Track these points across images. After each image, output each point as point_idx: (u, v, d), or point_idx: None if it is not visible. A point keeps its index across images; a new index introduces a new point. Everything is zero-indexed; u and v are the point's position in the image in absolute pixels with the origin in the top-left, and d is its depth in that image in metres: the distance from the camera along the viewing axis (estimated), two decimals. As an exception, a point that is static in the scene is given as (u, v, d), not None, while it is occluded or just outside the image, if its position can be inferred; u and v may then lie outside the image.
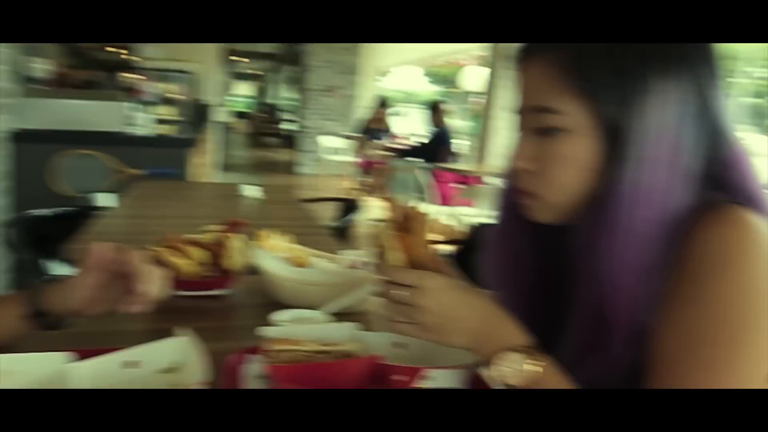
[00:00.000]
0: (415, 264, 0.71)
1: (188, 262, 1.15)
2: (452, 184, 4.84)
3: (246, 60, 19.48)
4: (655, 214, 0.62)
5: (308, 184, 8.71)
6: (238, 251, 1.18)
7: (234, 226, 1.21)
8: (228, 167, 9.97)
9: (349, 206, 2.70)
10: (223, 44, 8.60)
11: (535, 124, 0.67)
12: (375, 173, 6.19)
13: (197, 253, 1.18)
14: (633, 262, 0.62)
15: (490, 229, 0.82)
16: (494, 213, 0.81)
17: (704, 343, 0.58)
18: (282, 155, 13.32)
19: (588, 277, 0.65)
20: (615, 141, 0.63)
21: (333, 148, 8.25)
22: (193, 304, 1.15)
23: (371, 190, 6.22)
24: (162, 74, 6.18)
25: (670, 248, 0.62)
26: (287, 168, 10.87)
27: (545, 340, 0.67)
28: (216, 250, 1.19)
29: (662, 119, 0.62)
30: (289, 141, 14.72)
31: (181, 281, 1.12)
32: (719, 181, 0.64)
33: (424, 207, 4.58)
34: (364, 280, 1.07)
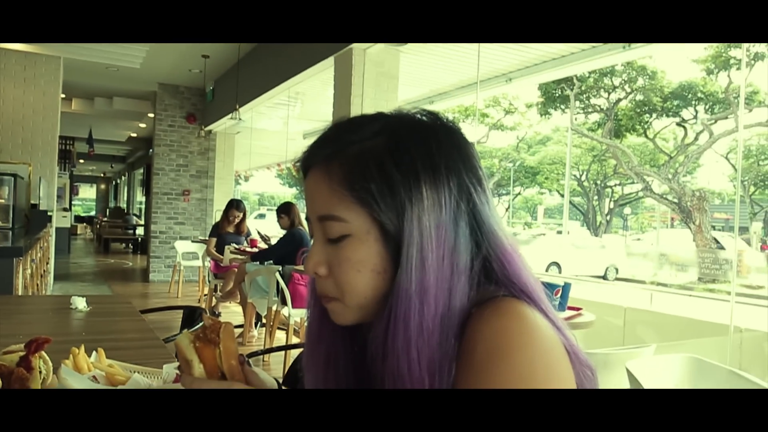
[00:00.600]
0: (220, 375, 0.69)
1: (-24, 390, 1.01)
2: (307, 285, 4.81)
3: (82, 162, 18.49)
4: (441, 310, 0.65)
5: (159, 290, 8.24)
6: (40, 372, 1.07)
7: (36, 345, 1.10)
8: (68, 276, 9.19)
9: (193, 314, 2.57)
10: (61, 145, 8.14)
11: (323, 231, 0.70)
12: (228, 277, 6.01)
13: (-10, 377, 1.04)
14: (425, 358, 0.64)
15: (307, 333, 0.82)
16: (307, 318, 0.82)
17: None
18: (132, 261, 12.56)
19: (386, 374, 0.66)
20: (396, 244, 0.66)
21: (185, 253, 7.94)
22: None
23: (225, 295, 6.01)
24: (-14, 178, 5.67)
25: (456, 341, 0.65)
26: (138, 275, 10.24)
27: None
28: (15, 372, 1.06)
29: (437, 223, 0.66)
30: (139, 246, 14.00)
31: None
32: (495, 276, 0.69)
33: (283, 309, 4.54)
34: (179, 394, 1.00)
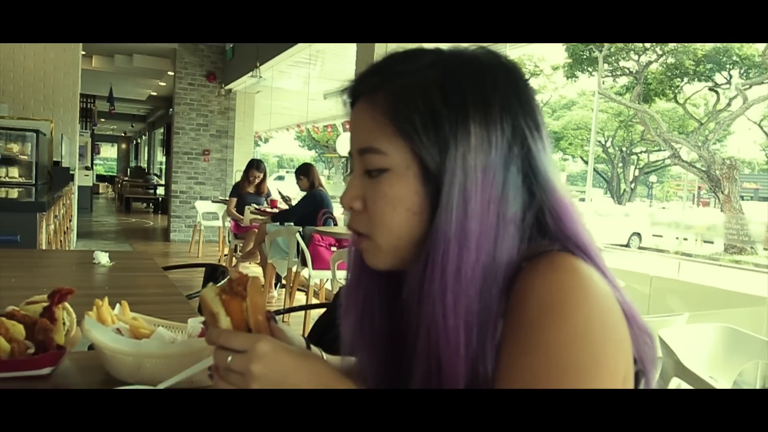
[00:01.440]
0: (246, 330, 0.67)
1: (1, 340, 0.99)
2: (328, 247, 4.81)
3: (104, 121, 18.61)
4: (483, 259, 0.62)
5: (179, 250, 8.33)
6: (64, 323, 1.05)
7: (60, 296, 1.07)
8: (90, 233, 9.31)
9: (215, 272, 2.56)
10: (82, 103, 8.18)
11: (362, 164, 0.67)
12: (248, 238, 6.02)
13: (14, 327, 1.02)
14: (462, 307, 0.61)
15: (345, 283, 0.80)
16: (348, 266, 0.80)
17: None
18: (152, 221, 12.69)
19: (421, 322, 0.64)
20: (436, 184, 0.63)
21: (206, 213, 7.98)
22: (10, 388, 0.99)
23: (245, 256, 6.04)
24: (7, 133, 5.69)
25: (503, 295, 0.61)
26: (159, 234, 10.35)
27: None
28: (38, 323, 1.04)
29: (485, 165, 0.62)
30: (159, 206, 14.13)
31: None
32: (549, 230, 0.65)
33: (303, 270, 4.54)
34: (205, 349, 0.97)
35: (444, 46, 0.69)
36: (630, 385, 0.63)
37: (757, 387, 2.62)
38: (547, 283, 0.59)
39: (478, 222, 0.62)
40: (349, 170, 0.72)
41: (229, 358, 0.63)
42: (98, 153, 22.77)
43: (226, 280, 0.69)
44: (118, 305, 1.17)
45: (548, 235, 0.65)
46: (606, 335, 0.58)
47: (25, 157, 5.72)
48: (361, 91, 0.69)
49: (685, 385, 1.92)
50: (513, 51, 6.50)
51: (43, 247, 3.48)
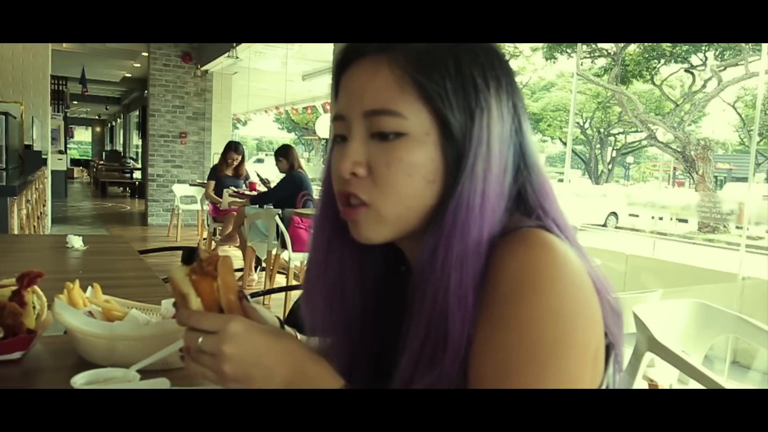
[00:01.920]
0: (218, 310, 0.65)
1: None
2: (308, 229, 4.79)
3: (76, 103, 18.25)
4: (491, 228, 0.62)
5: (157, 234, 8.24)
6: (34, 307, 1.03)
7: (29, 279, 1.05)
8: (65, 218, 9.16)
9: (191, 255, 2.54)
10: (53, 85, 8.00)
11: (369, 127, 0.64)
12: (227, 221, 5.98)
13: (-19, 311, 1.00)
14: (475, 273, 0.61)
15: (308, 264, 0.77)
16: (310, 243, 0.76)
17: (518, 369, 0.57)
18: (129, 205, 12.53)
19: (427, 289, 0.62)
20: (457, 151, 0.62)
21: (184, 197, 7.89)
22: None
23: (224, 239, 5.99)
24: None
25: (482, 268, 0.61)
26: (136, 218, 10.23)
27: (375, 368, 0.64)
28: (7, 307, 1.02)
29: (501, 137, 0.64)
30: (136, 190, 13.94)
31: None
32: (528, 205, 0.65)
33: (282, 252, 4.53)
34: (178, 330, 0.96)
35: None
36: (601, 359, 0.63)
37: (727, 359, 2.69)
38: (520, 258, 0.59)
39: (494, 191, 0.62)
40: (335, 138, 0.68)
41: (200, 339, 0.62)
42: (72, 137, 22.35)
43: (196, 260, 0.67)
44: (90, 288, 1.15)
45: (527, 209, 0.65)
46: (578, 310, 0.58)
47: (-6, 140, 5.58)
48: (369, 49, 0.65)
49: (658, 360, 1.96)
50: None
51: (15, 232, 3.42)
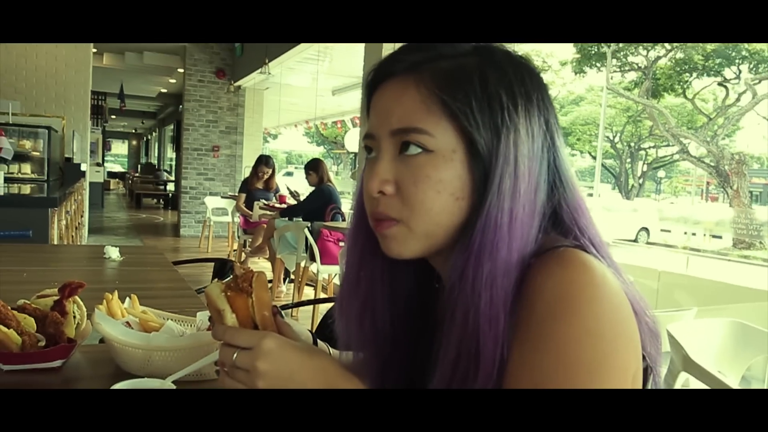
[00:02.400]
0: (252, 326, 0.67)
1: (11, 332, 1.01)
2: (336, 242, 4.82)
3: (114, 118, 18.68)
4: (522, 247, 0.61)
5: (189, 245, 8.37)
6: (74, 317, 1.06)
7: (70, 290, 1.09)
8: (101, 229, 9.38)
9: (224, 267, 2.58)
10: (93, 100, 8.23)
11: (397, 145, 0.65)
12: (257, 233, 6.05)
13: (25, 320, 1.04)
14: (504, 294, 0.60)
15: (342, 280, 0.77)
16: (343, 261, 0.77)
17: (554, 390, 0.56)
18: (163, 216, 12.76)
19: (457, 307, 0.62)
20: (483, 168, 0.62)
21: (215, 209, 8.01)
22: (21, 380, 1.00)
23: (254, 251, 6.06)
24: (20, 130, 5.74)
25: (516, 289, 0.61)
26: (169, 229, 10.41)
27: (406, 385, 0.64)
28: (49, 316, 1.06)
29: (530, 155, 0.63)
30: (170, 201, 14.20)
31: (4, 354, 0.98)
32: (563, 224, 0.65)
33: (311, 265, 4.56)
34: (213, 342, 0.99)
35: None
36: (639, 382, 0.62)
37: (765, 381, 2.61)
38: (557, 278, 0.58)
39: (523, 210, 0.62)
40: (367, 154, 0.69)
41: (235, 356, 0.63)
42: (109, 149, 22.91)
43: (231, 277, 0.69)
44: (128, 299, 1.18)
45: (562, 228, 0.65)
46: (616, 332, 0.57)
47: (38, 153, 5.77)
48: (397, 69, 0.66)
49: (693, 380, 1.92)
50: (521, 46, 6.47)
51: (55, 242, 3.51)
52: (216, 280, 0.70)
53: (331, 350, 0.83)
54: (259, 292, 0.67)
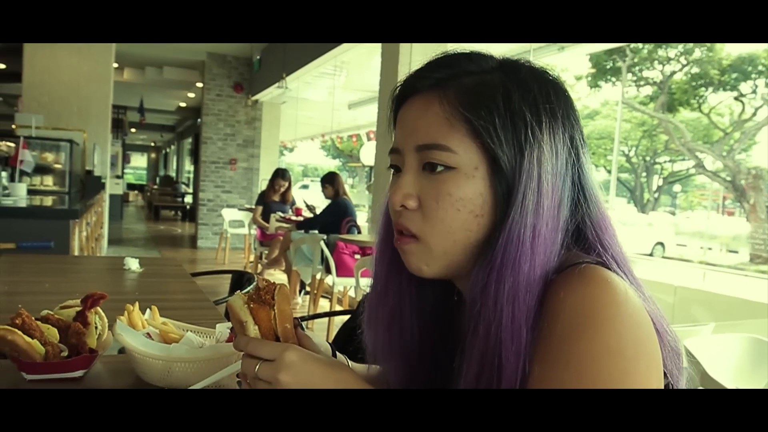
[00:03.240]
0: (274, 337, 0.68)
1: (35, 342, 1.03)
2: (352, 255, 4.84)
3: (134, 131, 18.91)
4: (540, 261, 0.62)
5: (206, 257, 8.44)
6: (96, 327, 1.09)
7: (92, 301, 1.12)
8: (121, 240, 9.49)
9: (242, 279, 2.61)
10: (114, 114, 8.37)
11: (420, 161, 0.66)
12: (273, 245, 6.09)
13: (49, 331, 1.06)
14: (527, 309, 0.61)
15: (370, 291, 0.79)
16: (373, 273, 0.78)
17: None
18: (180, 228, 12.88)
19: (480, 323, 0.62)
20: (507, 186, 0.63)
21: (232, 221, 8.08)
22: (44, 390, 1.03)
23: (270, 263, 6.10)
24: (42, 143, 5.86)
25: (538, 305, 0.61)
26: (186, 241, 10.50)
27: None
28: (71, 327, 1.08)
29: (554, 171, 0.63)
30: (187, 213, 14.33)
31: (27, 363, 1.01)
32: (587, 240, 0.65)
33: (327, 277, 4.58)
34: (233, 354, 1.01)
35: (472, 47, 0.69)
36: None
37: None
38: (578, 295, 0.58)
39: (546, 226, 0.62)
40: (393, 171, 0.70)
41: (257, 367, 0.64)
42: (128, 162, 23.20)
43: (253, 287, 0.70)
44: (148, 310, 1.20)
45: (585, 244, 0.65)
46: (638, 350, 0.57)
47: (59, 165, 5.88)
48: (422, 86, 0.67)
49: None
50: (536, 60, 6.49)
51: (76, 253, 3.57)
52: (238, 291, 0.72)
53: (350, 363, 0.84)
54: (281, 304, 0.68)
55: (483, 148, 0.63)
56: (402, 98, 0.69)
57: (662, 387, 0.62)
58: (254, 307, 0.68)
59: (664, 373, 0.62)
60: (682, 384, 0.66)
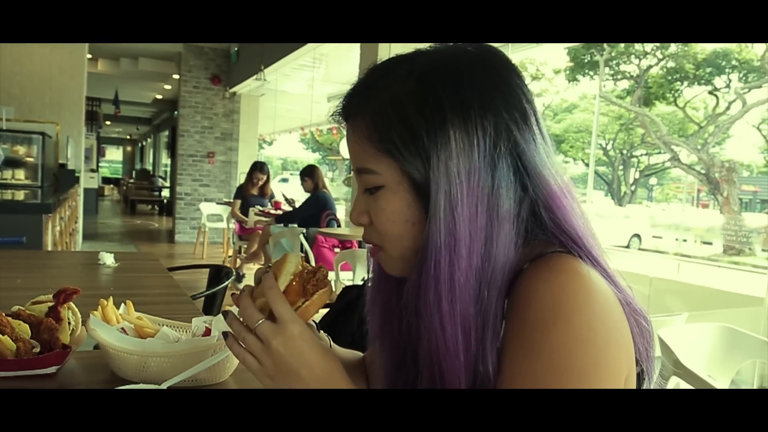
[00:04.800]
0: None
1: (5, 339, 1.01)
2: (332, 248, 4.83)
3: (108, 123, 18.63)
4: (477, 263, 0.61)
5: (184, 251, 8.36)
6: (69, 323, 1.07)
7: (65, 296, 1.10)
8: (96, 235, 9.35)
9: (219, 274, 2.59)
10: (87, 106, 8.23)
11: (361, 183, 0.69)
12: (252, 239, 6.05)
13: (20, 327, 1.04)
14: (458, 314, 0.61)
15: (370, 284, 0.81)
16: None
17: None
18: (157, 222, 12.74)
19: (421, 331, 0.64)
20: (426, 194, 0.63)
21: (210, 215, 8.01)
22: (16, 387, 1.01)
23: (249, 257, 6.06)
24: (13, 135, 5.73)
25: (503, 298, 0.62)
26: (163, 236, 10.39)
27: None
28: (44, 322, 1.06)
29: (468, 168, 0.62)
30: (164, 208, 14.17)
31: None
32: (545, 223, 0.64)
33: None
34: (209, 348, 1.00)
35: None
36: (632, 386, 0.63)
37: (755, 385, 2.64)
38: (548, 286, 0.59)
39: (467, 227, 0.61)
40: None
41: (260, 322, 0.65)
42: (103, 155, 22.86)
43: (314, 266, 0.69)
44: (123, 305, 1.19)
45: (546, 228, 0.64)
46: (608, 338, 0.58)
47: (31, 159, 5.76)
48: (349, 113, 0.70)
49: (683, 384, 1.94)
50: (514, 54, 6.52)
51: (49, 248, 3.51)
52: (301, 256, 0.72)
53: (332, 344, 0.84)
54: (314, 303, 0.68)
55: (397, 165, 0.64)
56: (344, 124, 0.71)
57: (634, 373, 0.63)
58: (295, 283, 0.67)
59: (637, 360, 0.63)
60: (654, 365, 0.67)
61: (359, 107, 0.68)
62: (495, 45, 0.70)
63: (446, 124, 0.62)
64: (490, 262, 0.62)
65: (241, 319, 0.67)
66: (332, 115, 0.72)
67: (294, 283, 0.67)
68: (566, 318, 0.57)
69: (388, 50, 4.30)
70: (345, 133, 0.72)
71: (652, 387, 0.67)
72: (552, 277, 0.59)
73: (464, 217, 0.61)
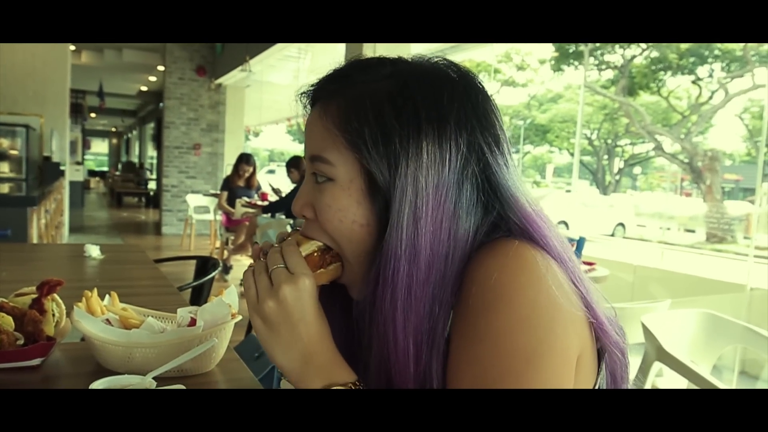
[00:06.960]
0: None
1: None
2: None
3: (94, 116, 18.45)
4: (434, 278, 0.61)
5: (171, 243, 8.32)
6: (53, 314, 1.07)
7: (48, 288, 1.09)
8: (82, 228, 9.28)
9: (205, 265, 2.58)
10: (72, 98, 8.14)
11: (311, 170, 0.67)
12: (240, 231, 6.04)
13: (3, 319, 1.04)
14: (411, 325, 0.61)
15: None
16: None
17: (494, 381, 0.56)
18: (144, 215, 12.65)
19: (372, 339, 0.64)
20: (384, 199, 0.62)
21: (197, 207, 7.97)
22: (1, 379, 1.01)
23: (236, 248, 6.05)
24: (-1, 128, 5.67)
25: (453, 293, 0.61)
26: (150, 228, 10.33)
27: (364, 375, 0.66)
28: (28, 315, 1.06)
29: (437, 183, 0.61)
30: (151, 200, 14.08)
31: (-18, 352, 0.99)
32: (499, 224, 0.64)
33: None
34: (194, 338, 1.00)
35: (421, 48, 0.69)
36: (588, 364, 0.62)
37: (736, 370, 2.69)
38: (489, 269, 0.58)
39: (429, 241, 0.60)
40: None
41: (279, 265, 0.64)
42: (89, 148, 22.64)
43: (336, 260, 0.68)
44: (107, 296, 1.18)
45: (498, 227, 0.63)
46: (554, 317, 0.57)
47: (15, 152, 5.70)
48: (319, 96, 0.67)
49: (666, 369, 1.97)
50: (500, 45, 6.52)
51: (35, 241, 3.48)
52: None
53: None
54: (328, 272, 0.67)
55: (359, 162, 0.62)
56: (311, 104, 0.69)
57: (590, 349, 0.62)
58: (317, 254, 0.67)
59: (597, 336, 0.62)
60: (625, 348, 0.66)
61: (333, 93, 0.65)
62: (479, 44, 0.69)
63: (420, 134, 0.61)
64: (445, 279, 0.61)
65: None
66: (300, 93, 0.70)
67: (315, 254, 0.67)
68: (509, 299, 0.56)
69: (372, 50, 4.29)
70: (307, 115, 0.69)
71: (625, 365, 0.67)
72: (491, 260, 0.58)
73: (427, 230, 0.60)
